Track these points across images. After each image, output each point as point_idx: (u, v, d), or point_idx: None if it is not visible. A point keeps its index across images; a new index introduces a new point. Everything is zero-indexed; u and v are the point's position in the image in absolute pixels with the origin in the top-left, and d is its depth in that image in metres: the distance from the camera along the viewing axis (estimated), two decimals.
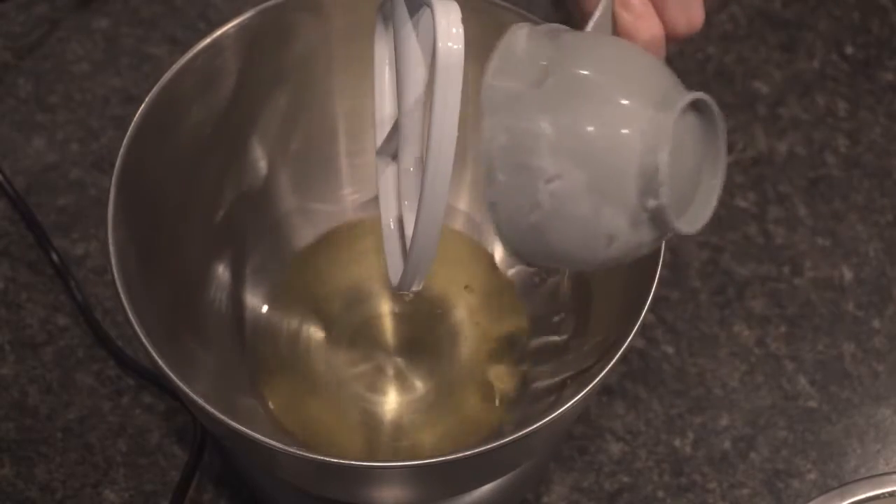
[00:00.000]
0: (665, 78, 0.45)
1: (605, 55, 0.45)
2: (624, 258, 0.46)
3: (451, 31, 0.43)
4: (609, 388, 0.65)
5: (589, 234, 0.44)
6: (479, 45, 0.56)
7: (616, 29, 0.48)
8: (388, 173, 0.54)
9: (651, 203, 0.43)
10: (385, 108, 0.54)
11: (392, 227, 0.54)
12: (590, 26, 0.48)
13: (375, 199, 0.67)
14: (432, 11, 0.43)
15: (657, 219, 0.44)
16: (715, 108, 0.45)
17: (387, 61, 0.54)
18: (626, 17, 0.48)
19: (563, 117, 0.43)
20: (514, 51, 0.46)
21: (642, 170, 0.43)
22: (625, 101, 0.43)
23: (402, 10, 0.50)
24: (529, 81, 0.45)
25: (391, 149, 0.53)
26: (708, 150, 0.46)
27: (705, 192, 0.46)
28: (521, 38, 0.46)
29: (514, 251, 0.47)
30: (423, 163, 0.45)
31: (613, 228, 0.44)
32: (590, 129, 0.43)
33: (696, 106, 0.45)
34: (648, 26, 0.48)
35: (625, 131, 0.43)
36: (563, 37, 0.46)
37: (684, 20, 0.49)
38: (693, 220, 0.46)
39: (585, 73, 0.44)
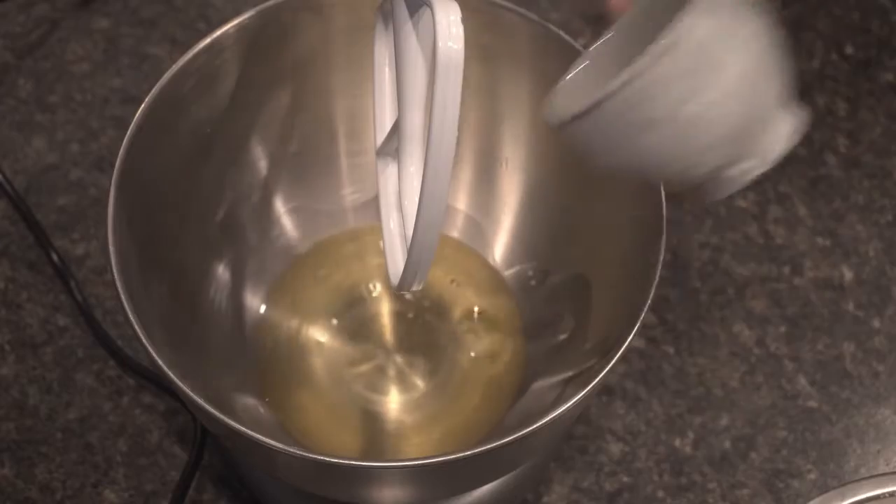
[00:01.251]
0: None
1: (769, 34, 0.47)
2: (720, 170, 0.48)
3: (451, 30, 0.43)
4: (609, 388, 0.65)
5: (698, 153, 0.47)
6: (479, 45, 0.56)
7: None
8: (389, 173, 0.54)
9: (780, 112, 0.47)
10: (385, 108, 0.54)
11: (392, 227, 0.54)
12: None
13: (375, 199, 0.67)
14: (432, 11, 0.43)
15: (781, 116, 0.47)
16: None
17: (387, 61, 0.54)
18: None
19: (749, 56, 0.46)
20: None
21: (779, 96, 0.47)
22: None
23: (401, 10, 0.50)
24: (735, 3, 0.46)
25: (391, 149, 0.53)
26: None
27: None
28: None
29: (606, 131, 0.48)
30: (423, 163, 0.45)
31: (713, 159, 0.47)
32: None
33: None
34: None
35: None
36: None
37: None
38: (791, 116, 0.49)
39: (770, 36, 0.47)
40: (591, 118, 0.46)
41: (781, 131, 0.48)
